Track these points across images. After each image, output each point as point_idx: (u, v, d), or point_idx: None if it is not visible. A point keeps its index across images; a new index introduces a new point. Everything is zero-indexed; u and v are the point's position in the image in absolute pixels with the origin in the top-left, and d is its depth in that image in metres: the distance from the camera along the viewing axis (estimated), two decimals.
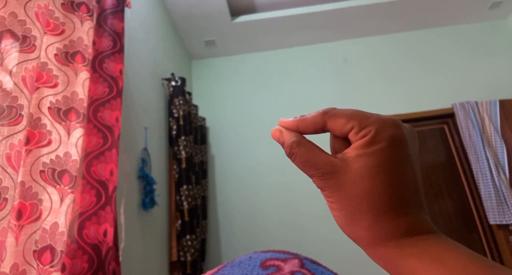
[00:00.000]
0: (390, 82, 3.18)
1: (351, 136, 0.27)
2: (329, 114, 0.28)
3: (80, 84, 1.25)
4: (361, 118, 0.27)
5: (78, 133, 1.18)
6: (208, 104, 3.35)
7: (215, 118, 3.29)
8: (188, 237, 2.18)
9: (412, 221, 0.26)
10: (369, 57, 3.33)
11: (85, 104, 1.23)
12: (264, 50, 3.52)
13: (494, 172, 2.52)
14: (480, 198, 2.66)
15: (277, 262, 0.36)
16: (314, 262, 0.39)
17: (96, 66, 1.29)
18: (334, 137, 0.30)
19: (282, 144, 0.30)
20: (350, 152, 0.27)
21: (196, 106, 2.90)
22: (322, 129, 0.29)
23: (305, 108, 3.14)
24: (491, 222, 2.49)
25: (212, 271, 0.38)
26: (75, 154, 1.16)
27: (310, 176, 0.28)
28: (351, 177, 0.26)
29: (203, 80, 3.49)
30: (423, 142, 2.97)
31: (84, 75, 1.26)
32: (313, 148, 0.29)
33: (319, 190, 0.29)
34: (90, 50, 1.32)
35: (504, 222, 2.44)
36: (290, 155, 0.30)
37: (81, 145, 1.17)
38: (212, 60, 3.57)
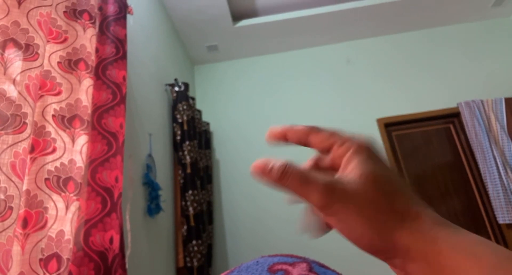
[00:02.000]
0: (395, 83, 3.17)
1: (335, 148, 0.29)
2: (314, 128, 0.31)
3: (84, 91, 1.25)
4: (340, 134, 0.30)
5: (82, 140, 1.18)
6: (212, 108, 3.35)
7: (219, 122, 3.29)
8: (194, 242, 2.17)
9: (433, 213, 0.26)
10: (372, 58, 3.32)
11: (89, 111, 1.23)
12: (266, 54, 3.52)
13: (502, 171, 2.49)
14: (488, 197, 2.63)
15: (285, 266, 0.36)
16: (322, 266, 0.38)
17: (100, 73, 1.30)
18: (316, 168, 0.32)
19: (271, 169, 0.28)
20: (344, 167, 0.28)
21: (199, 111, 2.90)
22: (305, 141, 0.31)
23: (309, 110, 3.14)
24: (500, 221, 2.46)
25: None
26: (80, 161, 1.16)
27: (311, 192, 0.26)
28: (359, 186, 0.26)
29: (206, 85, 3.50)
30: (429, 142, 2.95)
31: (87, 82, 1.27)
32: (306, 168, 0.28)
33: (322, 211, 0.27)
34: (93, 57, 1.32)
35: None
36: (284, 174, 0.27)
37: (86, 152, 1.16)
38: (215, 64, 3.58)
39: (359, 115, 3.09)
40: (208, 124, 3.09)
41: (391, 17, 3.15)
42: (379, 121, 3.00)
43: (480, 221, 2.67)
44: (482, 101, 2.78)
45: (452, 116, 2.98)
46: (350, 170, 0.27)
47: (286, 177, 0.27)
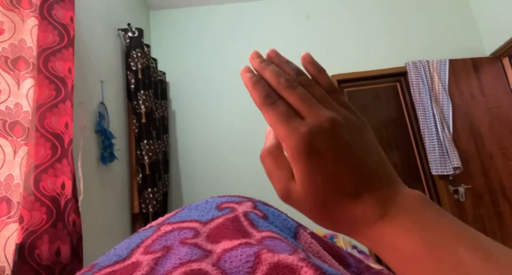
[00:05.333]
0: (349, 40, 3.22)
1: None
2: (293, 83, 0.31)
3: (28, 31, 1.18)
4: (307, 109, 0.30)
5: (28, 83, 1.14)
6: (168, 58, 3.24)
7: (175, 72, 3.21)
8: (149, 190, 2.22)
9: (378, 203, 0.26)
10: (330, 15, 3.32)
11: (35, 53, 1.17)
12: (228, 2, 3.40)
13: (439, 127, 2.70)
14: (425, 151, 2.86)
15: (231, 204, 0.40)
16: (265, 204, 0.43)
17: (45, 12, 1.22)
18: None
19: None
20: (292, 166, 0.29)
21: (155, 60, 2.81)
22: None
23: None
24: (434, 172, 2.71)
25: (170, 214, 0.41)
26: (26, 105, 1.12)
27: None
28: (301, 196, 0.29)
29: (163, 32, 3.35)
30: (377, 99, 3.10)
31: (32, 22, 1.19)
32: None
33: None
34: None
35: (445, 173, 2.66)
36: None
37: (33, 97, 1.13)
38: (172, 11, 3.41)
39: None
40: (164, 73, 3.01)
41: None
42: (333, 77, 3.08)
43: (416, 172, 2.93)
44: (428, 62, 2.93)
45: (400, 75, 3.12)
46: (296, 177, 0.28)
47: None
